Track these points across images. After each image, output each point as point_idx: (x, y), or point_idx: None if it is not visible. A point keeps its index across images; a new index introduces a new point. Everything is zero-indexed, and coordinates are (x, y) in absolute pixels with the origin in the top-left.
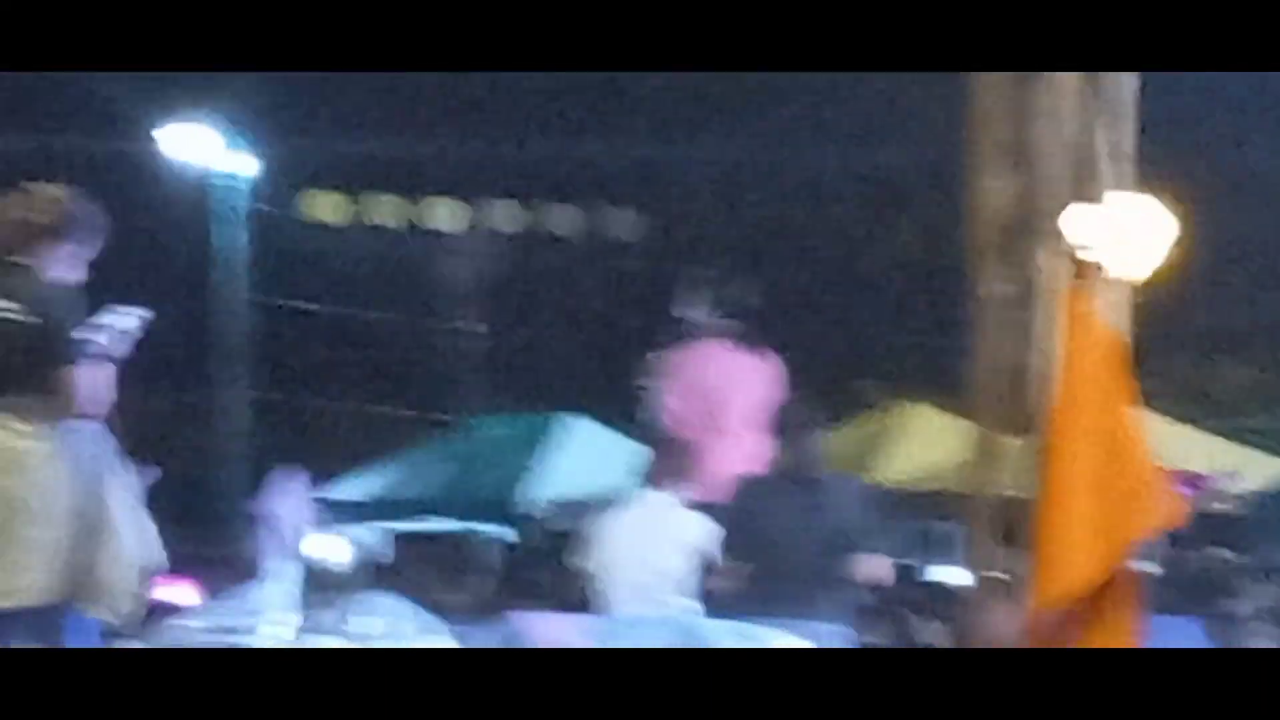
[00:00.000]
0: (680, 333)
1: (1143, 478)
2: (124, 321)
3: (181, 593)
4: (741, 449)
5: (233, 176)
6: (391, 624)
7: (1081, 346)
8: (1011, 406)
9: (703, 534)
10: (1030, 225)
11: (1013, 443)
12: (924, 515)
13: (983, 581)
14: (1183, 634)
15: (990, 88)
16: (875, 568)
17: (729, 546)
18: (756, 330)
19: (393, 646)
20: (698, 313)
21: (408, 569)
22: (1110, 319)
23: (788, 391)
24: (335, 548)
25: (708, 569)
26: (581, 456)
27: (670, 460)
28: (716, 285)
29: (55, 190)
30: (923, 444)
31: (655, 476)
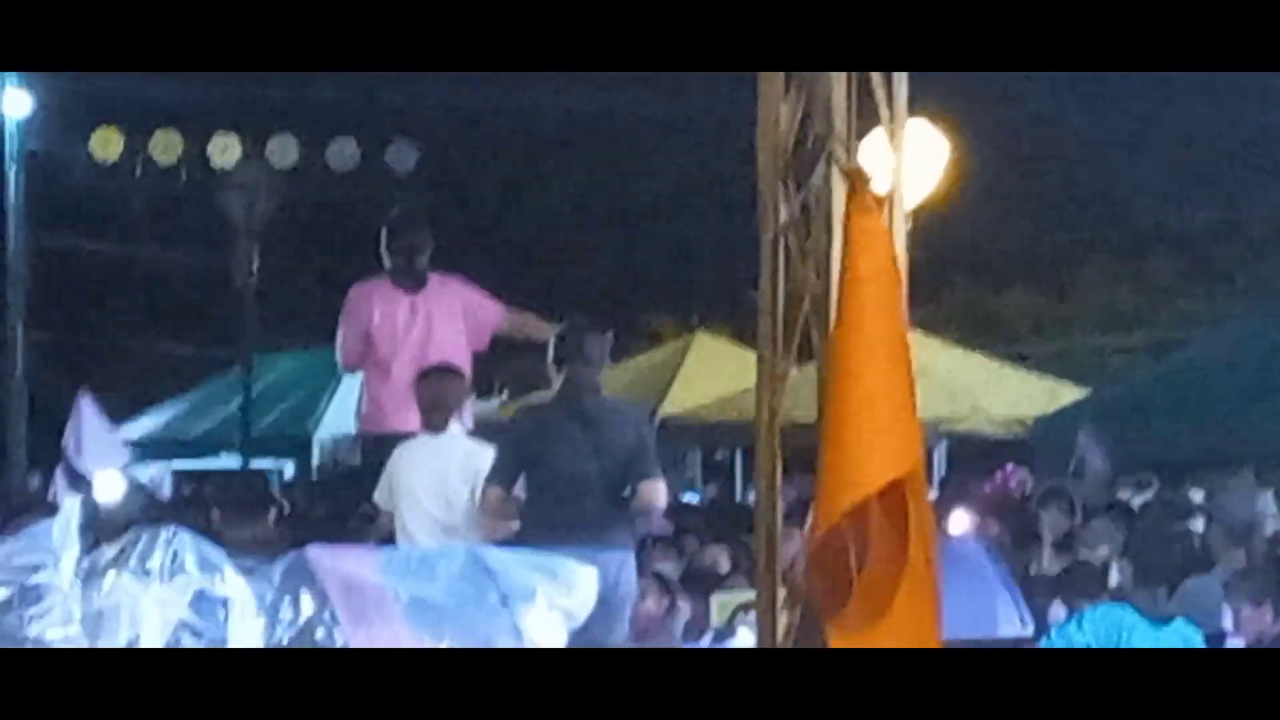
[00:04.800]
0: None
1: (909, 400)
2: None
3: None
4: (433, 388)
5: (8, 115)
6: (173, 559)
7: (859, 270)
8: (795, 331)
9: (488, 464)
10: (815, 151)
11: (796, 369)
12: (709, 442)
13: (765, 506)
14: (971, 556)
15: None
16: (653, 492)
17: (513, 475)
18: (429, 271)
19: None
20: (383, 255)
21: (197, 505)
22: (887, 238)
23: (514, 326)
24: (114, 485)
25: (491, 498)
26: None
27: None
28: (395, 227)
29: None
30: (709, 372)
31: (361, 411)
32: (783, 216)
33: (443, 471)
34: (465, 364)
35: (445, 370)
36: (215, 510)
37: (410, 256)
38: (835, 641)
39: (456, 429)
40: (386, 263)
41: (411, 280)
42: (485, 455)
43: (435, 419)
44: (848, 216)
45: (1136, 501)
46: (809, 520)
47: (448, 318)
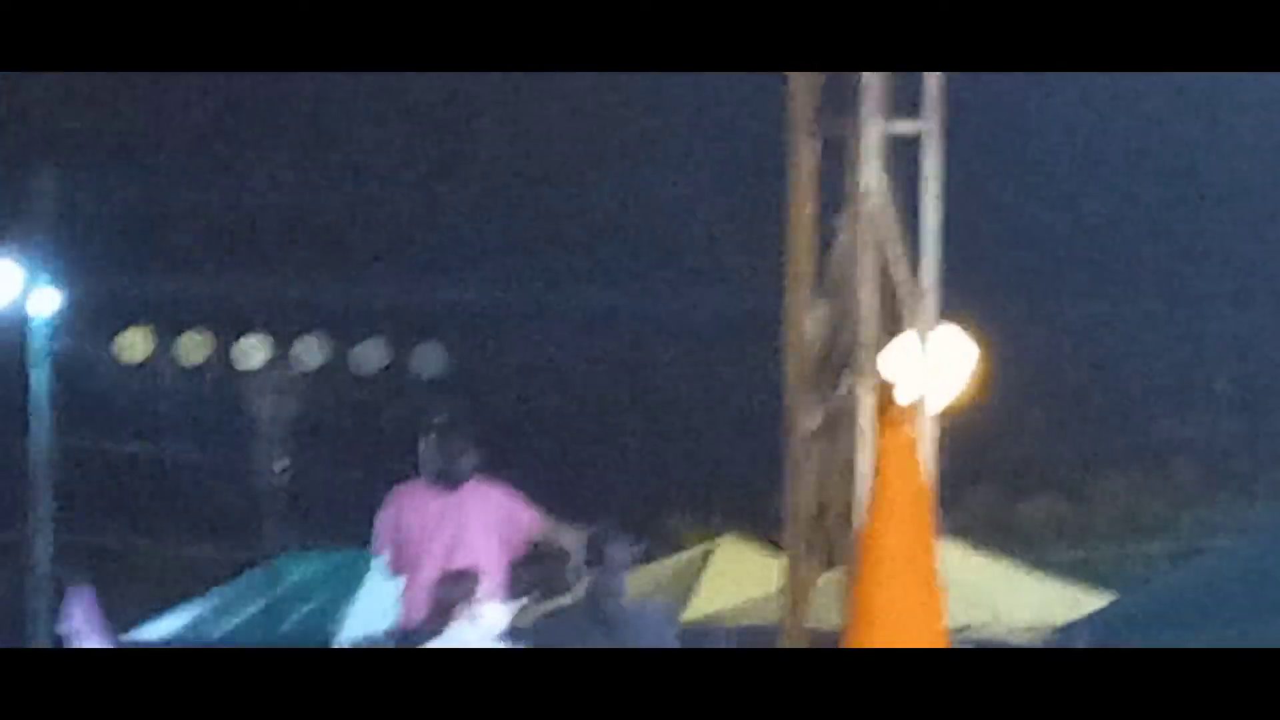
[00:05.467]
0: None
1: (938, 612)
2: None
3: None
4: (446, 590)
5: (36, 315)
6: None
7: (890, 478)
8: (821, 538)
9: None
10: (842, 359)
11: (821, 574)
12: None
13: None
14: None
15: (800, 220)
16: None
17: None
18: (473, 474)
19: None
20: (422, 457)
21: None
22: (918, 450)
23: (548, 534)
24: None
25: None
26: (390, 592)
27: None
28: (436, 431)
29: None
30: (732, 577)
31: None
32: (809, 423)
33: None
34: (494, 571)
35: (459, 574)
36: None
37: (449, 461)
38: None
39: (475, 632)
40: (426, 465)
41: (447, 484)
42: None
43: (439, 621)
44: (878, 430)
45: None
46: None
47: (479, 523)
